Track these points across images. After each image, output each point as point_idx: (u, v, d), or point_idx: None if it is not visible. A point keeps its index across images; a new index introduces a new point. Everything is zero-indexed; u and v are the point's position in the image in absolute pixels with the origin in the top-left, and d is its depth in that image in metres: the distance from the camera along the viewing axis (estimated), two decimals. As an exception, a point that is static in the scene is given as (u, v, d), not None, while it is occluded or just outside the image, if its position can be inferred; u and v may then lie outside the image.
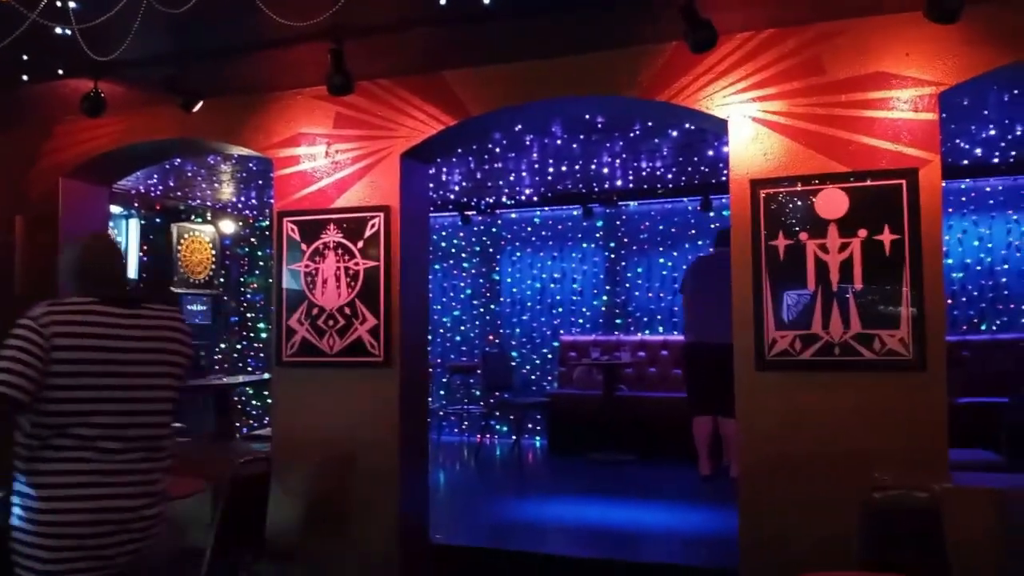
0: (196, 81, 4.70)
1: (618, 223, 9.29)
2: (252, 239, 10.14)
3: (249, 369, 9.79)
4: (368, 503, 4.56)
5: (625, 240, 9.27)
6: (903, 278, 3.68)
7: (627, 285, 9.24)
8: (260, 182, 8.04)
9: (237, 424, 9.24)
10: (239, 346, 9.88)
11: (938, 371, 3.65)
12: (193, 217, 9.33)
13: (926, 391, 3.65)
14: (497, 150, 6.87)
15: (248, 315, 10.01)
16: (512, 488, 7.07)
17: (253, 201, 9.22)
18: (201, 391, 7.31)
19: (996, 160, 7.33)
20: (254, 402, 9.73)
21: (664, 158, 7.36)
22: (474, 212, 9.55)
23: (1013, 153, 7.17)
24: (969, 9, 3.52)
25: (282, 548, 4.59)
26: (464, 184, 8.29)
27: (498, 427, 9.41)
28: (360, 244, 4.65)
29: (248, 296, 10.05)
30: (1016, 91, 5.40)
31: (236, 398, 9.41)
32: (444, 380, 9.49)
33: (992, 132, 6.46)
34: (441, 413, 9.42)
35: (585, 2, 3.77)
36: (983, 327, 7.79)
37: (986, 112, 5.93)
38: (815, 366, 3.81)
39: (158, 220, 8.87)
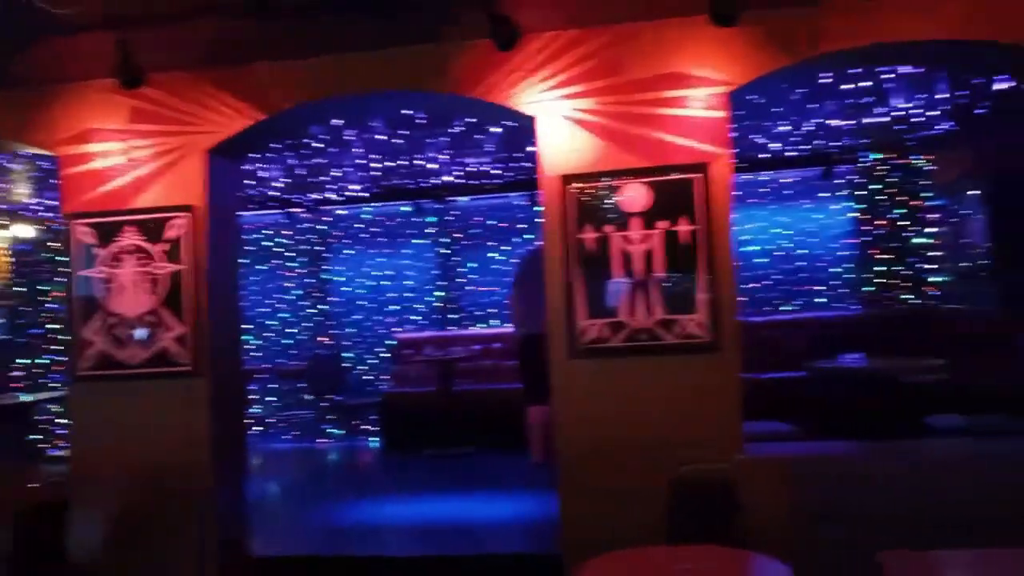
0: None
1: (449, 218, 9.32)
2: (53, 244, 9.30)
3: (55, 385, 8.99)
4: (181, 521, 4.30)
5: (457, 235, 9.31)
6: (699, 265, 3.92)
7: (460, 280, 9.29)
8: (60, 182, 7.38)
9: (44, 445, 8.49)
10: (42, 361, 9.05)
11: (732, 351, 3.91)
12: (-18, 221, 8.44)
13: (722, 370, 3.91)
14: (319, 145, 6.68)
15: (51, 327, 9.18)
16: (346, 491, 6.92)
17: (54, 203, 8.46)
18: (-6, 412, 6.64)
19: (791, 154, 7.97)
20: (62, 420, 8.95)
21: (491, 153, 7.44)
22: (299, 209, 9.26)
23: (806, 147, 7.81)
24: (752, 14, 3.79)
25: (87, 574, 4.25)
26: (286, 180, 8.01)
27: (332, 430, 9.19)
28: (162, 246, 4.37)
29: (50, 306, 9.22)
30: (804, 89, 5.87)
31: (42, 417, 8.64)
32: (273, 386, 9.14)
33: (786, 127, 7.01)
34: (271, 420, 9.08)
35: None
36: (784, 308, 8.46)
37: (779, 109, 6.42)
38: (623, 352, 3.98)
39: (-60, 225, 7.95)
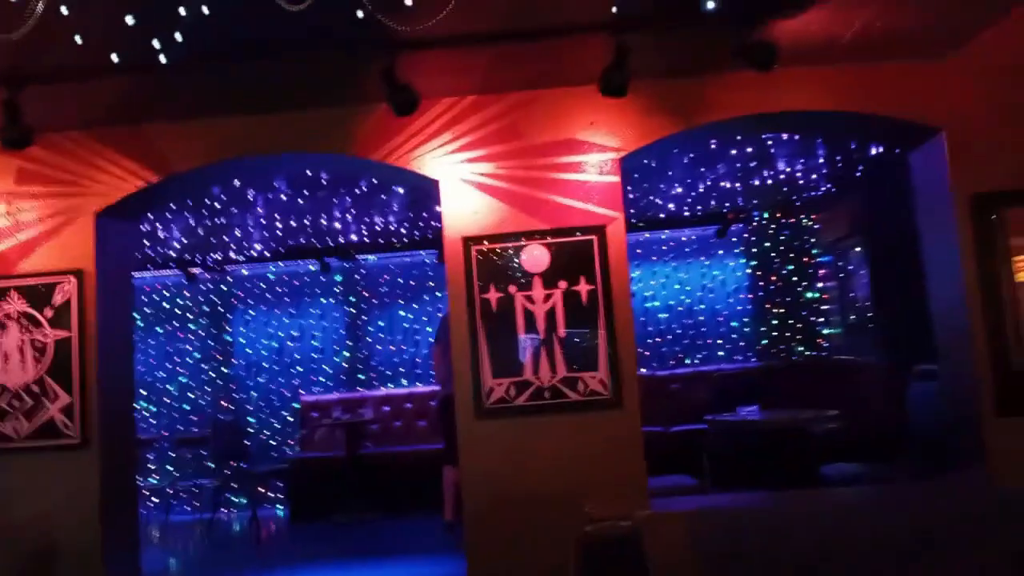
0: None
1: (357, 277, 9.23)
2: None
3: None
4: (66, 604, 4.04)
5: (365, 294, 9.22)
6: (599, 323, 4.02)
7: (369, 339, 9.17)
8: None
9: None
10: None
11: (633, 407, 4.00)
12: None
13: (624, 425, 3.99)
14: (218, 205, 6.56)
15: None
16: (249, 564, 6.63)
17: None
18: None
19: (687, 213, 8.30)
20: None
21: (397, 212, 7.46)
22: (200, 269, 8.99)
23: (699, 207, 8.16)
24: (643, 82, 3.99)
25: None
26: (186, 240, 7.79)
27: (235, 499, 8.81)
28: (49, 313, 4.19)
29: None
30: (694, 154, 6.16)
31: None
32: (172, 454, 8.73)
33: (679, 190, 7.32)
34: (170, 491, 8.64)
35: (277, 61, 3.72)
36: (687, 361, 8.70)
37: (674, 172, 6.71)
38: (529, 411, 4.02)
39: None
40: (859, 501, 4.32)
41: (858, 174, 6.95)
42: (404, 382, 9.06)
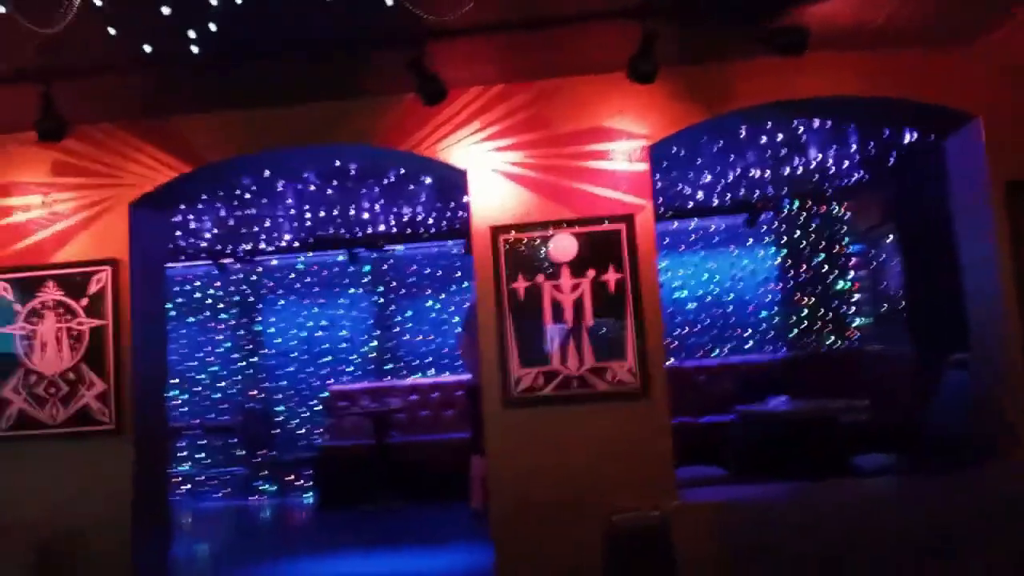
0: None
1: (385, 267, 9.29)
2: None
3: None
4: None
5: (393, 284, 9.28)
6: (627, 313, 4.01)
7: (396, 329, 9.23)
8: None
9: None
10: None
11: (661, 397, 3.98)
12: None
13: (652, 416, 3.97)
14: (248, 196, 6.62)
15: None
16: (279, 550, 6.71)
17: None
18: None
19: (716, 202, 8.23)
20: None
21: (425, 203, 7.49)
22: (230, 260, 9.10)
23: (728, 195, 8.08)
24: (670, 70, 3.95)
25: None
26: (217, 231, 7.88)
27: (265, 487, 8.93)
28: (84, 302, 4.27)
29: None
30: (722, 142, 6.10)
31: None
32: (203, 442, 8.86)
33: (708, 178, 7.25)
34: (201, 478, 8.77)
35: (305, 52, 3.73)
36: (715, 353, 8.64)
37: (701, 160, 6.64)
38: (556, 400, 4.02)
39: None
40: (886, 493, 4.29)
41: (891, 162, 6.83)
42: (432, 372, 9.10)
